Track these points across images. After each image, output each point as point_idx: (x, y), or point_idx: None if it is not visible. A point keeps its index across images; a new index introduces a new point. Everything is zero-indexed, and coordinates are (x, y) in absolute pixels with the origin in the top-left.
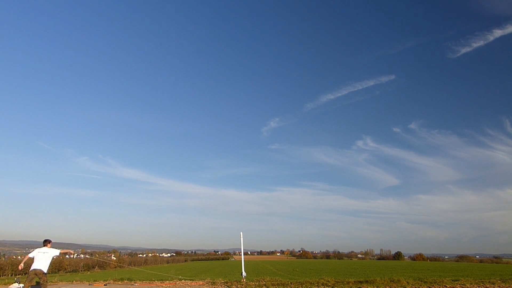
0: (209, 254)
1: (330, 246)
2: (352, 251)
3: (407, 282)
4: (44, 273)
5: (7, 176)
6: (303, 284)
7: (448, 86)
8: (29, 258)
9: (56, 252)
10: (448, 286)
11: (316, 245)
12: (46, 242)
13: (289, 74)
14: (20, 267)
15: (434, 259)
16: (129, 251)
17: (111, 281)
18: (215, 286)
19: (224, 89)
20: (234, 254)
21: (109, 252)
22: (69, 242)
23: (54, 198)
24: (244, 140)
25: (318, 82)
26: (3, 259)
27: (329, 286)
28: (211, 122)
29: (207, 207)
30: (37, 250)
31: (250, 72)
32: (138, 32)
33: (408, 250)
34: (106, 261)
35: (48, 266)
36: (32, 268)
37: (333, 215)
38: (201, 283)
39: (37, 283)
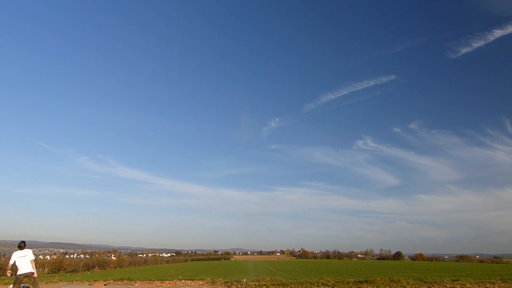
0: (209, 254)
1: (330, 246)
2: (352, 251)
3: (407, 282)
4: (32, 273)
5: (7, 176)
6: (303, 284)
7: (448, 86)
8: (12, 264)
9: (32, 255)
10: (448, 286)
11: (316, 245)
12: (21, 245)
13: (289, 74)
14: (8, 274)
15: (434, 259)
16: (129, 251)
17: (111, 281)
18: (215, 286)
19: (224, 89)
20: (234, 254)
21: (109, 252)
22: (69, 242)
23: (54, 198)
24: (244, 140)
25: (318, 82)
26: (3, 259)
27: (329, 286)
28: (211, 122)
29: (207, 207)
30: (15, 254)
31: (250, 72)
32: (138, 32)
33: (408, 250)
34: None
35: (31, 266)
36: (19, 272)
37: (333, 215)
38: (201, 283)
39: (23, 287)
